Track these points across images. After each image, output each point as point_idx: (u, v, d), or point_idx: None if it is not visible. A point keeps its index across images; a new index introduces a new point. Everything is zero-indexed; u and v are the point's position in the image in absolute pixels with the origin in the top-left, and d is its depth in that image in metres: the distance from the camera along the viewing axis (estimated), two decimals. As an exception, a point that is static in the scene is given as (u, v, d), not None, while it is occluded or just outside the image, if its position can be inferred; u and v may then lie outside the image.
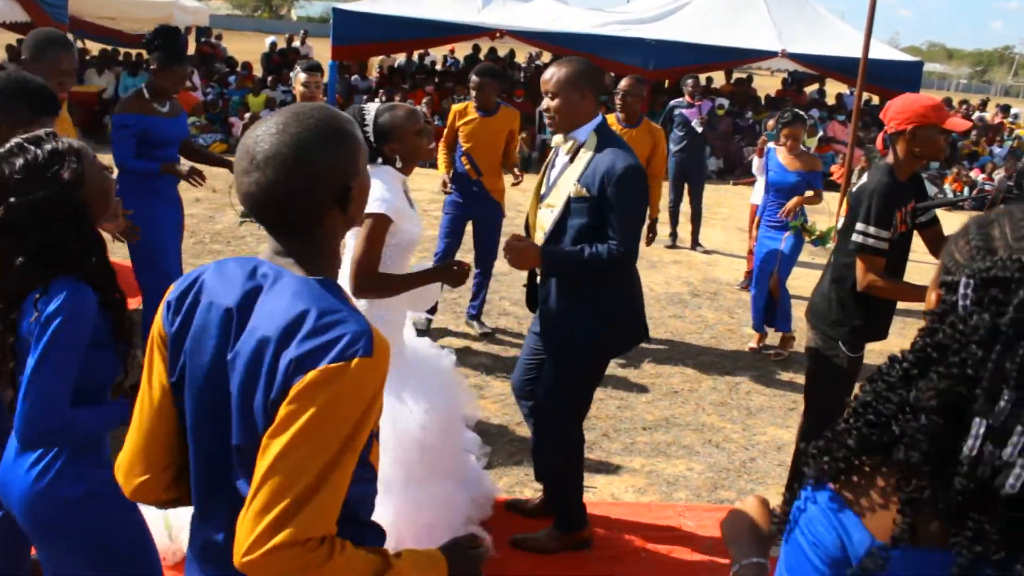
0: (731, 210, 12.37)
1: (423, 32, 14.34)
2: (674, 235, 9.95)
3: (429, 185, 10.76)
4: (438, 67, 19.69)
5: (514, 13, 14.82)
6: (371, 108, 3.38)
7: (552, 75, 3.38)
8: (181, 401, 1.62)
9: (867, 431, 1.22)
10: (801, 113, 6.82)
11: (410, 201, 3.49)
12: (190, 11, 15.91)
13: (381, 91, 15.90)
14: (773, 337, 6.74)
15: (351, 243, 3.26)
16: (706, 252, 9.77)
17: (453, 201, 6.26)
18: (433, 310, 6.55)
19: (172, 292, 1.64)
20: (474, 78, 6.12)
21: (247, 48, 23.71)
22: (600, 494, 4.36)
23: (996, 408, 1.11)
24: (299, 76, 6.03)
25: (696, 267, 9.14)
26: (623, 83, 6.16)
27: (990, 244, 1.19)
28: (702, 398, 5.65)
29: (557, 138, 3.50)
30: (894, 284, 3.67)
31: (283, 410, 1.41)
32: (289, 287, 1.51)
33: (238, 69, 17.37)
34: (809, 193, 6.37)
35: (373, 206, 3.20)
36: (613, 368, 5.98)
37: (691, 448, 4.93)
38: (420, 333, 6.26)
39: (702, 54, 14.04)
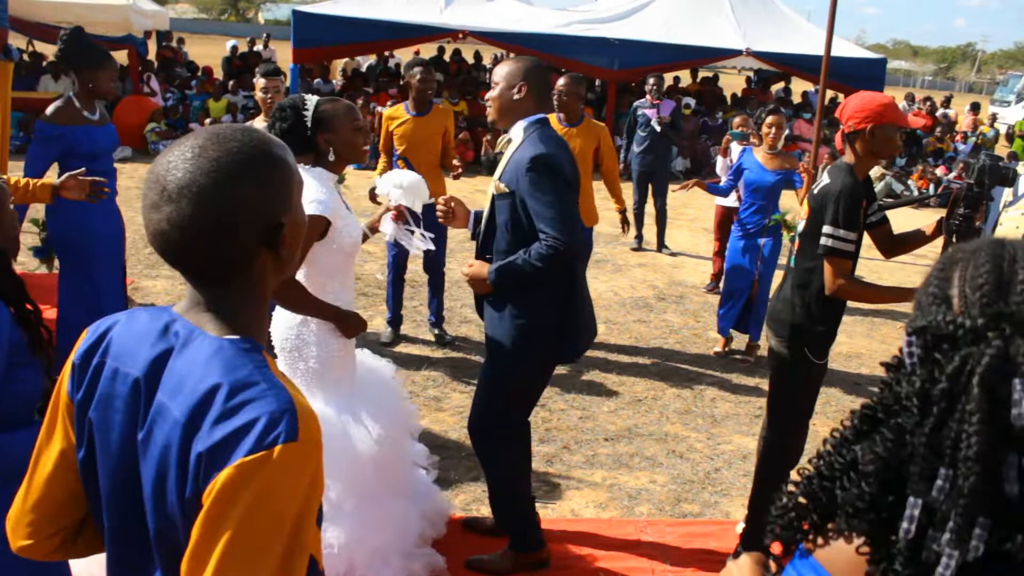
0: (697, 211, 12.29)
1: (385, 34, 14.15)
2: (639, 237, 9.85)
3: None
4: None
5: (477, 14, 14.66)
6: (312, 99, 3.28)
7: (498, 68, 3.41)
8: (89, 475, 1.42)
9: (819, 491, 1.07)
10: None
11: (345, 204, 3.36)
12: (149, 15, 15.60)
13: (344, 94, 15.67)
14: (739, 341, 6.64)
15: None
16: (672, 254, 9.67)
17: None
18: (398, 322, 6.38)
19: (78, 350, 1.43)
20: (415, 71, 5.97)
21: (211, 52, 23.41)
22: (560, 510, 4.22)
23: (933, 487, 0.96)
24: (258, 81, 5.80)
25: (662, 270, 9.03)
26: (560, 82, 5.99)
27: (946, 292, 1.04)
28: (666, 406, 5.52)
29: (501, 139, 3.45)
30: (864, 287, 3.59)
31: (204, 518, 1.19)
32: (200, 352, 1.30)
33: (199, 74, 17.09)
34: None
35: (308, 208, 3.06)
36: (576, 376, 5.85)
37: (654, 459, 4.80)
38: (384, 345, 6.15)
39: (667, 53, 13.97)
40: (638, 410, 5.44)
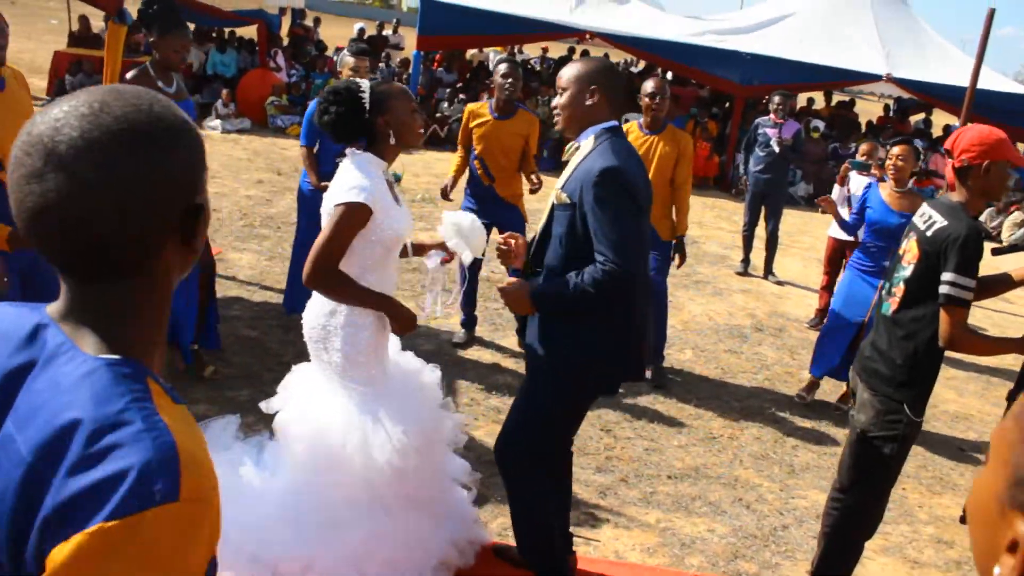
0: (815, 239, 11.62)
1: (510, 28, 13.95)
2: (746, 261, 9.34)
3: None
4: (531, 66, 19.30)
5: (607, 15, 14.30)
6: (365, 83, 3.10)
7: (565, 71, 3.09)
8: None
9: None
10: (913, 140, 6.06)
11: (395, 195, 3.14)
12: (284, -8, 15.87)
13: (460, 84, 15.61)
14: (832, 390, 6.11)
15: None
16: (779, 283, 9.12)
17: (466, 208, 5.80)
18: (472, 324, 6.12)
19: None
20: (500, 67, 5.68)
21: (345, 34, 23.71)
22: (603, 550, 3.88)
23: None
24: (346, 60, 5.60)
25: (765, 298, 8.51)
26: (648, 84, 5.58)
27: None
28: (741, 448, 5.09)
29: (569, 147, 3.14)
30: (982, 339, 3.24)
31: None
32: (66, 374, 1.03)
33: (326, 53, 17.30)
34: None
35: (350, 194, 2.91)
36: (649, 403, 5.48)
37: (717, 506, 4.40)
38: (455, 346, 5.90)
39: (799, 72, 13.28)
40: (710, 448, 5.03)
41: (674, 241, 5.80)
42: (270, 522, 3.05)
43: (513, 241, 3.25)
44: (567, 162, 3.15)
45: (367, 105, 3.04)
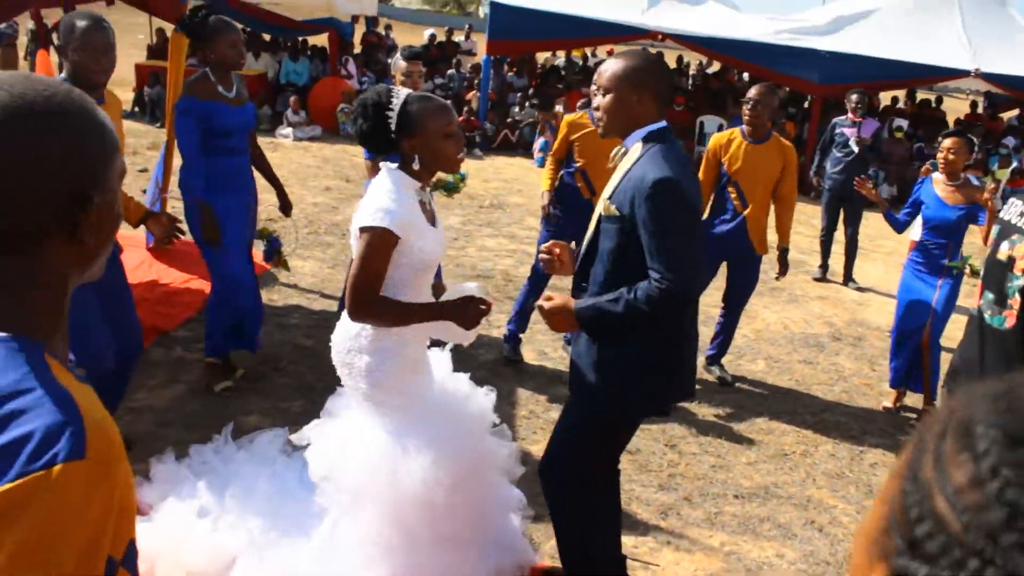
0: (897, 243, 11.09)
1: (581, 31, 13.74)
2: (824, 267, 8.97)
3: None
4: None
5: (680, 16, 13.97)
6: (402, 92, 2.85)
7: (606, 69, 2.82)
8: None
9: None
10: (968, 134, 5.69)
11: (432, 214, 2.96)
12: (355, 0, 15.93)
13: (531, 88, 15.48)
14: (915, 398, 5.77)
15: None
16: (859, 289, 8.73)
17: (549, 227, 5.61)
18: (522, 327, 5.90)
19: None
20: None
21: (418, 41, 23.84)
22: (662, 575, 3.67)
23: None
24: (399, 64, 5.50)
25: (844, 305, 8.14)
26: (753, 90, 5.38)
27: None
28: (815, 465, 4.81)
29: (615, 151, 2.92)
30: None
31: None
32: None
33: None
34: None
35: (374, 218, 2.71)
36: (717, 416, 5.23)
37: (788, 528, 4.14)
38: (509, 362, 5.69)
39: (880, 69, 12.71)
40: (781, 466, 4.76)
41: (778, 254, 5.75)
42: (301, 549, 2.95)
43: (557, 250, 3.07)
44: (612, 168, 2.95)
45: (392, 124, 2.80)
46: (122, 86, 15.01)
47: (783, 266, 5.81)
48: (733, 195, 5.47)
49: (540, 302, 2.87)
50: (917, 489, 0.61)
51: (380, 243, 2.71)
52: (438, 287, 3.21)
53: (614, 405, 2.90)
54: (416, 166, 2.83)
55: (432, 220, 2.95)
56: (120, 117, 3.95)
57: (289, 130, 13.35)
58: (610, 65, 2.82)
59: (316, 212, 9.10)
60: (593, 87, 2.88)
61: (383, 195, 2.75)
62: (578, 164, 5.49)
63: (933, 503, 0.59)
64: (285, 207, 5.15)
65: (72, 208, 1.07)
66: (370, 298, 2.73)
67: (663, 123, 2.82)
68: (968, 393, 0.63)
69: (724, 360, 5.91)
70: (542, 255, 3.07)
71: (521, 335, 5.78)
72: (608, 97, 2.80)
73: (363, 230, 2.73)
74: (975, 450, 0.59)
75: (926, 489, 0.60)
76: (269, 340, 5.54)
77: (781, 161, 5.39)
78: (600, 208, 2.86)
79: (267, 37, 16.45)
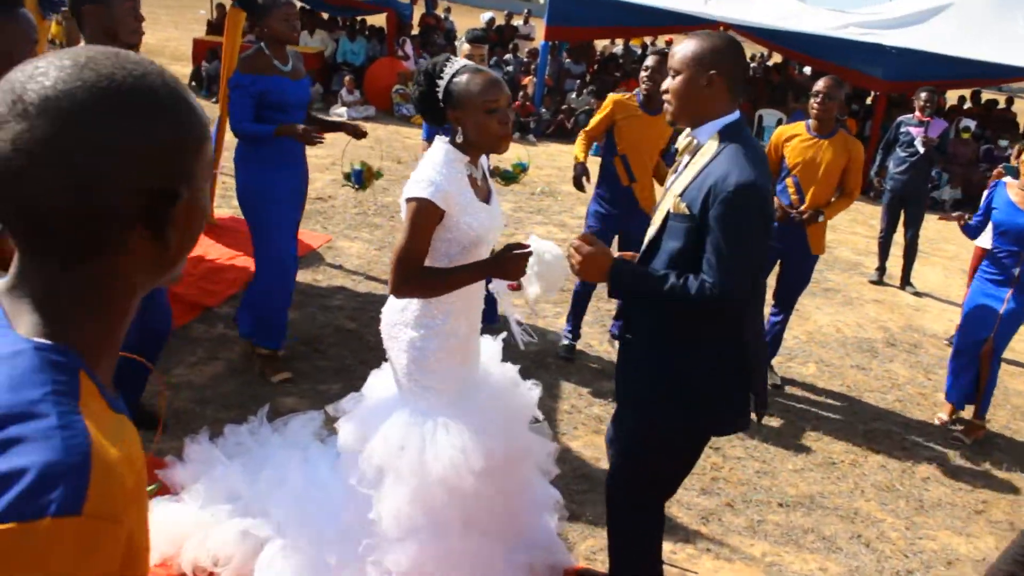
0: (960, 248, 10.77)
1: (641, 19, 13.54)
2: (882, 269, 8.71)
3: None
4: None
5: (744, 6, 13.69)
6: (457, 63, 2.74)
7: (679, 49, 2.62)
8: None
9: None
10: None
11: (487, 191, 2.86)
12: (416, -19, 15.92)
13: (588, 75, 15.30)
14: (970, 411, 5.54)
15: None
16: (916, 294, 8.45)
17: (596, 212, 5.43)
18: (576, 334, 5.74)
19: None
20: (648, 60, 5.16)
21: (477, 24, 23.75)
22: (700, 584, 3.56)
23: None
24: (463, 47, 5.48)
25: (900, 310, 7.89)
26: (820, 83, 5.17)
27: None
28: (864, 476, 4.64)
29: (683, 138, 2.74)
30: None
31: None
32: None
33: (456, 42, 17.31)
34: None
35: (417, 188, 2.64)
36: (764, 421, 5.06)
37: (832, 541, 3.99)
38: (564, 359, 5.57)
39: (949, 67, 12.30)
40: (829, 475, 4.59)
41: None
42: (327, 537, 2.88)
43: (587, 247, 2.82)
44: (675, 152, 2.79)
45: (439, 93, 2.72)
46: (181, 61, 15.15)
47: (809, 215, 5.26)
48: (792, 190, 5.29)
49: (577, 242, 2.65)
50: None
51: (421, 213, 2.63)
52: None
53: (673, 425, 2.73)
54: (459, 139, 2.75)
55: (486, 197, 2.85)
56: None
57: (343, 109, 13.35)
58: (684, 46, 2.62)
59: (365, 194, 9.04)
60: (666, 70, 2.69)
61: (430, 167, 2.68)
62: (618, 149, 5.31)
63: None
64: (357, 133, 4.86)
65: (158, 204, 0.94)
66: (413, 271, 2.65)
67: (736, 114, 2.63)
68: None
69: (774, 361, 5.74)
70: (572, 250, 2.69)
71: (576, 342, 5.66)
72: (678, 79, 2.60)
73: (408, 200, 2.66)
74: None
75: None
76: (311, 322, 5.50)
77: (846, 157, 5.18)
78: (668, 204, 2.66)
79: (325, 16, 16.49)
